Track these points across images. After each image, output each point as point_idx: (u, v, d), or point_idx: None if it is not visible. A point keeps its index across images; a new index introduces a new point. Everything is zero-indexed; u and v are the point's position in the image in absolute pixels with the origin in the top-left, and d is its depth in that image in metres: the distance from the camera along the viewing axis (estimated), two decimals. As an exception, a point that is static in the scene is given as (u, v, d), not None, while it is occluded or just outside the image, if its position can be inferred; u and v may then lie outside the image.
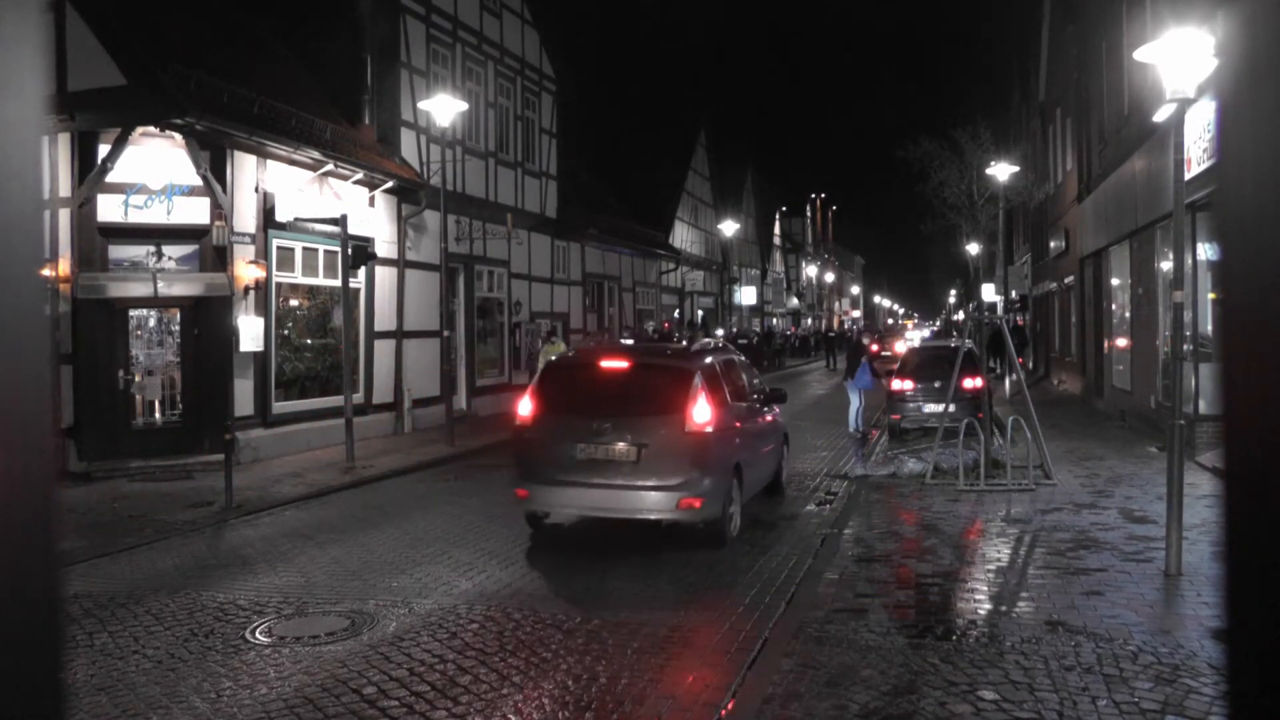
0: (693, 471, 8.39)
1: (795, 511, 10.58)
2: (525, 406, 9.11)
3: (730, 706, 4.99)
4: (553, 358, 21.31)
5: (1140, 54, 7.64)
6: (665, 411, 8.59)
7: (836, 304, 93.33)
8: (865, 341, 20.54)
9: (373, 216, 16.87)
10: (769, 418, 10.93)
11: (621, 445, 8.48)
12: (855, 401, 17.60)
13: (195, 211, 13.44)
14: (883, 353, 24.79)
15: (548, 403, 9.00)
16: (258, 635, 6.39)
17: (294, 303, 15.51)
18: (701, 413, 8.58)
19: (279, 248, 14.79)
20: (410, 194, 17.90)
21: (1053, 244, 28.52)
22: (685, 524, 8.72)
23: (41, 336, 0.71)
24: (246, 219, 14.07)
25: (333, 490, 11.95)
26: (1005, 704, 4.86)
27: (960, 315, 63.19)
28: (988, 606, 6.64)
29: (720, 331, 34.81)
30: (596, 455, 8.54)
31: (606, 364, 9.30)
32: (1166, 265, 13.88)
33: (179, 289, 13.44)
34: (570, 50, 27.16)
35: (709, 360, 9.44)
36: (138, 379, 13.57)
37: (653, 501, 8.48)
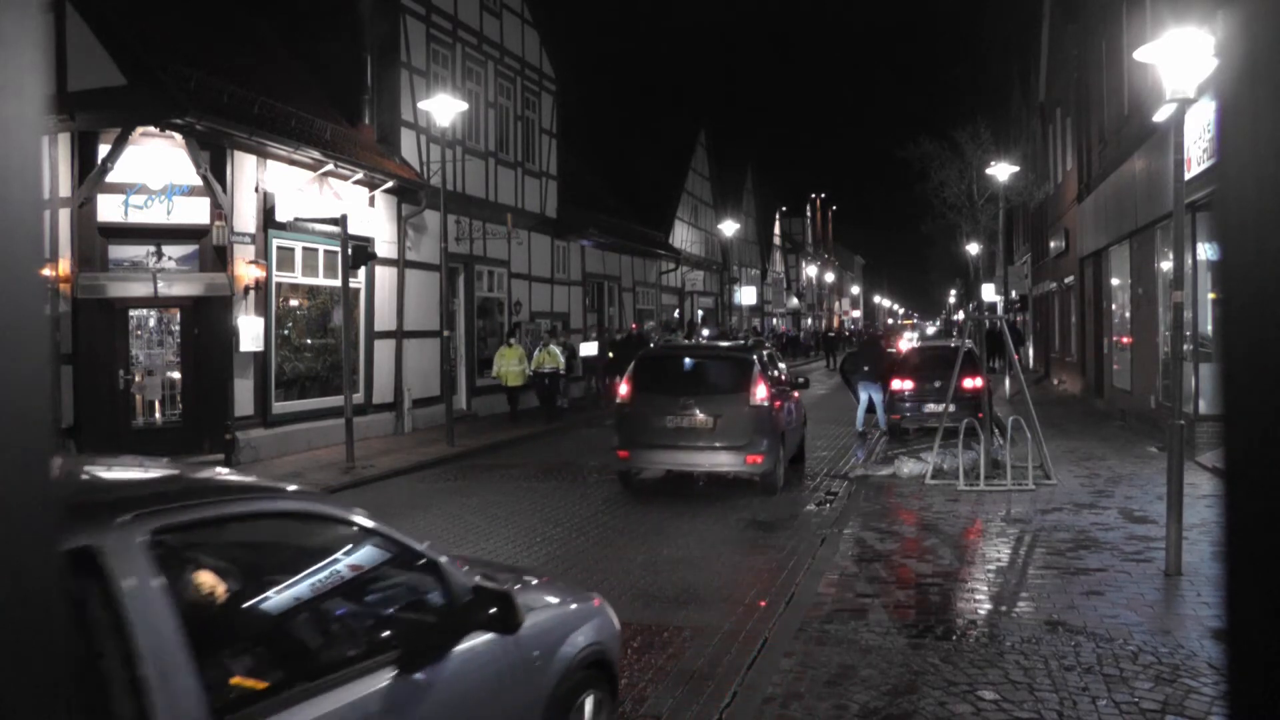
0: (754, 435, 10.80)
1: (795, 511, 10.59)
2: (624, 389, 11.45)
3: (730, 706, 4.99)
4: (513, 362, 19.70)
5: (1140, 54, 7.64)
6: (733, 390, 11.07)
7: (836, 304, 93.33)
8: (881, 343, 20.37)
9: (373, 216, 16.86)
10: (795, 399, 13.08)
11: (701, 416, 10.86)
12: (864, 399, 17.43)
13: (195, 211, 13.44)
14: (889, 349, 24.81)
15: (642, 386, 11.30)
16: (258, 635, 6.38)
17: (294, 303, 15.51)
18: (760, 391, 11.03)
19: (279, 248, 14.78)
20: (410, 194, 17.89)
21: (1053, 244, 28.53)
22: (746, 476, 11.15)
23: (41, 336, 0.71)
24: (246, 219, 14.07)
25: (333, 490, 11.94)
26: (1005, 704, 4.86)
27: (960, 315, 63.24)
28: (988, 606, 6.64)
29: (707, 332, 34.61)
30: (682, 424, 10.86)
31: (687, 356, 12.38)
32: (1166, 265, 13.88)
33: (179, 289, 13.44)
34: (570, 50, 27.19)
35: (761, 353, 12.23)
36: (138, 379, 13.57)
37: (725, 459, 10.87)
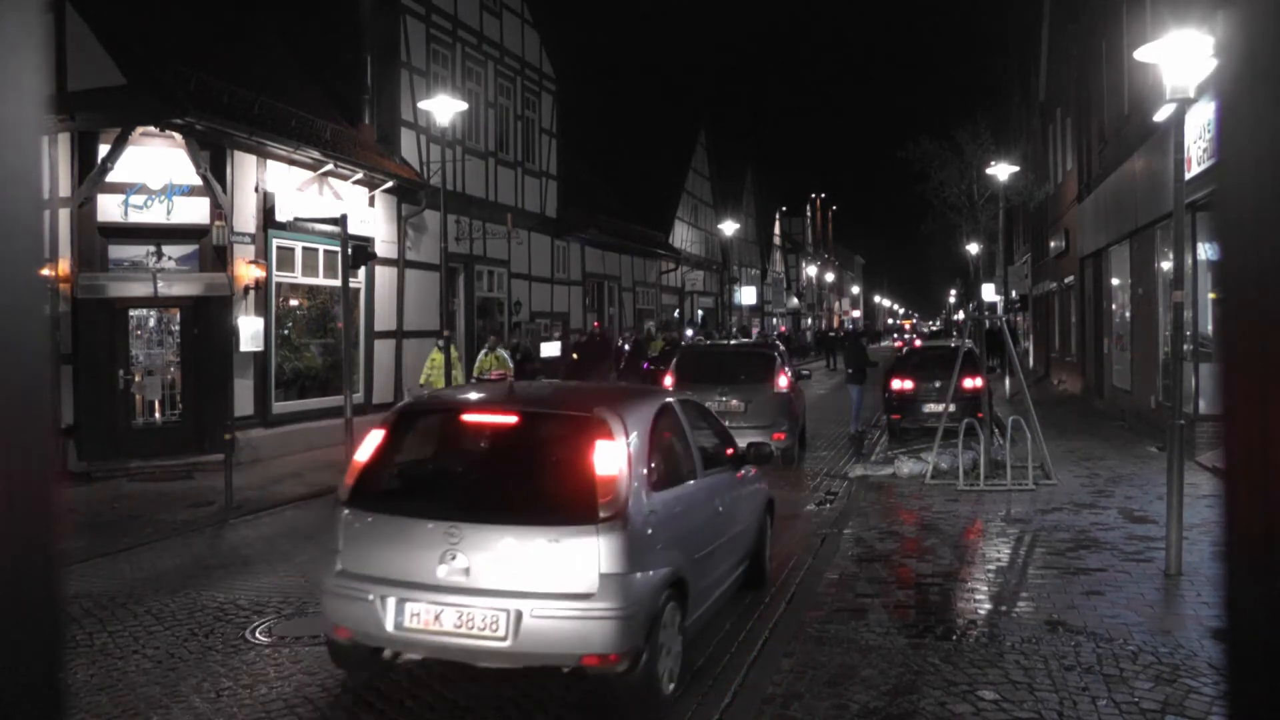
0: (778, 416, 13.18)
1: (795, 511, 10.57)
2: (669, 380, 13.44)
3: (730, 706, 4.99)
4: (440, 368, 16.97)
5: (1140, 54, 7.64)
6: (761, 380, 13.45)
7: (836, 304, 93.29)
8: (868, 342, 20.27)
9: (373, 216, 16.86)
10: (797, 390, 15.30)
11: (735, 401, 12.95)
12: (855, 399, 17.54)
13: (195, 211, 13.43)
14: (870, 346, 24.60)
15: (685, 377, 13.34)
16: (258, 635, 6.39)
17: (294, 303, 15.51)
18: (782, 381, 13.56)
19: (279, 248, 14.78)
20: (410, 194, 17.89)
21: (1053, 244, 28.53)
22: (765, 457, 14.03)
23: (41, 336, 0.71)
24: (246, 219, 14.07)
25: (333, 490, 11.92)
26: (1005, 704, 4.86)
27: (960, 315, 63.24)
28: (988, 606, 6.64)
29: (690, 332, 34.15)
30: (719, 408, 12.37)
31: (719, 353, 15.81)
32: (1166, 265, 13.89)
33: (179, 289, 13.43)
34: (570, 50, 27.16)
35: (780, 349, 15.17)
36: (138, 379, 13.56)
37: (754, 437, 12.20)
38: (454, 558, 4.74)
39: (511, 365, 16.73)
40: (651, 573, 4.86)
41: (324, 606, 5.19)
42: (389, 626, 4.81)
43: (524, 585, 4.68)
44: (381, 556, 4.97)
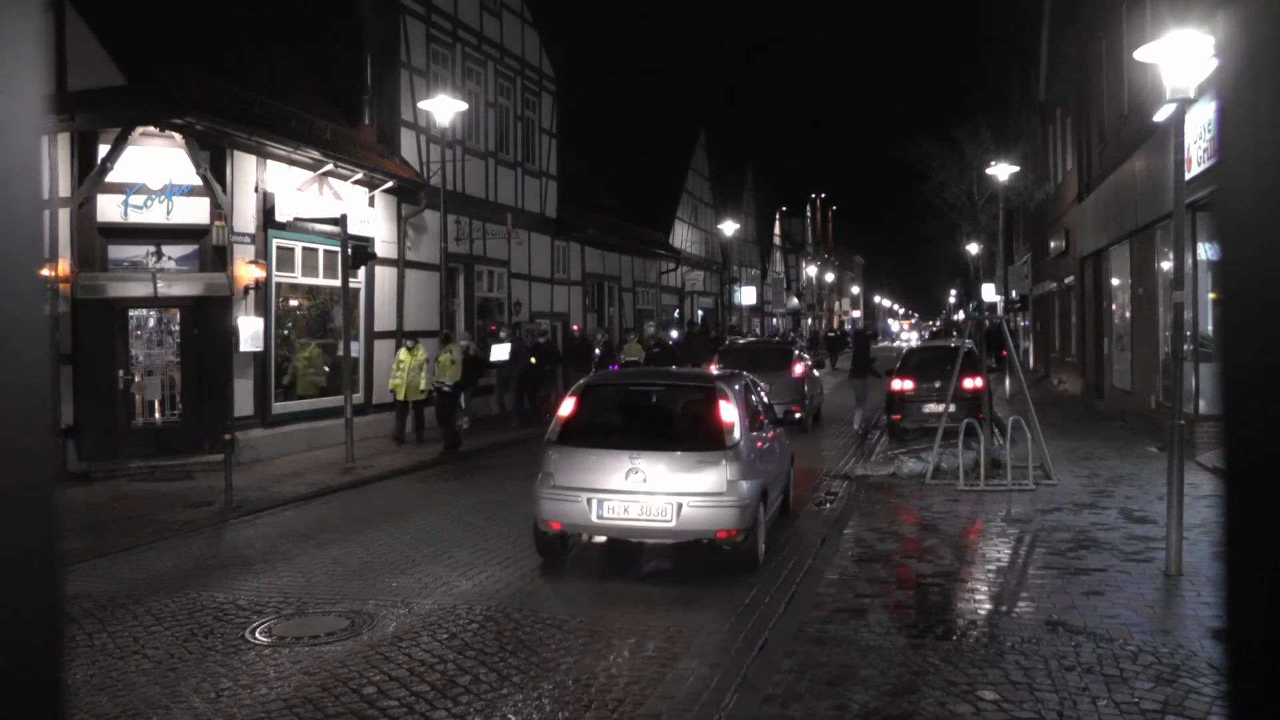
0: (796, 394, 16.99)
1: (795, 511, 10.57)
2: (713, 368, 15.31)
3: (730, 706, 4.99)
4: (414, 370, 16.04)
5: (1140, 54, 7.64)
6: (781, 368, 17.33)
7: (836, 304, 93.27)
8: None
9: (372, 216, 16.85)
10: (810, 376, 19.00)
11: (763, 384, 14.91)
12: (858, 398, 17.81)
13: (195, 211, 13.43)
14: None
15: (724, 364, 16.23)
16: (258, 635, 6.39)
17: (294, 303, 15.51)
18: (797, 369, 17.64)
19: (279, 248, 14.77)
20: (410, 194, 17.89)
21: (1053, 244, 28.51)
22: (790, 420, 14.89)
23: (41, 336, 0.71)
24: (246, 219, 14.07)
25: (333, 490, 11.95)
26: (1005, 704, 4.85)
27: (960, 315, 63.21)
28: (988, 606, 6.64)
29: (675, 333, 33.41)
30: None
31: (750, 348, 19.94)
32: (1166, 265, 13.88)
33: (179, 289, 13.43)
34: (570, 50, 27.16)
35: (797, 345, 20.64)
36: (138, 379, 13.56)
37: (778, 410, 13.88)
38: (636, 472, 7.49)
39: (459, 371, 15.51)
40: (754, 481, 7.74)
41: (539, 509, 7.78)
42: (593, 518, 7.56)
43: (682, 488, 7.43)
44: (584, 473, 7.65)
